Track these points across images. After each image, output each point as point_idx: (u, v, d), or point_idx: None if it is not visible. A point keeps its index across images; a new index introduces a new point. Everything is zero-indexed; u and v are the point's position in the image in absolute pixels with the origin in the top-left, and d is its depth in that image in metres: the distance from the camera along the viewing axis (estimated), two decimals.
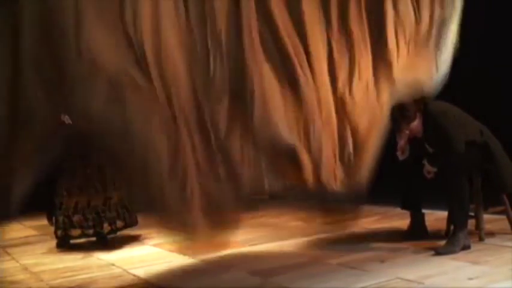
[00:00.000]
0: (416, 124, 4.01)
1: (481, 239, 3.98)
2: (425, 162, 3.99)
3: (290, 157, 3.65)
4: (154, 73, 3.23)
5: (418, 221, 4.27)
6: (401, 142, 4.10)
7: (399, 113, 3.96)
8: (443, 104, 4.48)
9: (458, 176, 3.82)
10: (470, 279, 3.07)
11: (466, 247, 3.75)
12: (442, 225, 4.23)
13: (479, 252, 3.70)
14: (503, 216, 4.25)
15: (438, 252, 3.70)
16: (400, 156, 4.16)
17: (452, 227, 3.91)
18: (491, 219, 4.56)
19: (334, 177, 3.76)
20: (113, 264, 4.21)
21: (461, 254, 3.65)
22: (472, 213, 4.04)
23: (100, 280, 3.80)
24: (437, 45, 3.98)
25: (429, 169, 3.99)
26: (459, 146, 3.83)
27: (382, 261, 3.67)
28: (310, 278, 3.42)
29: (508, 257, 3.51)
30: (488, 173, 4.00)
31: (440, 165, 3.94)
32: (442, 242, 3.87)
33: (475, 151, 3.94)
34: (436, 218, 4.82)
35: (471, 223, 4.01)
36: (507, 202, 4.14)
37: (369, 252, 3.96)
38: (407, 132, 4.01)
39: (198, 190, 3.34)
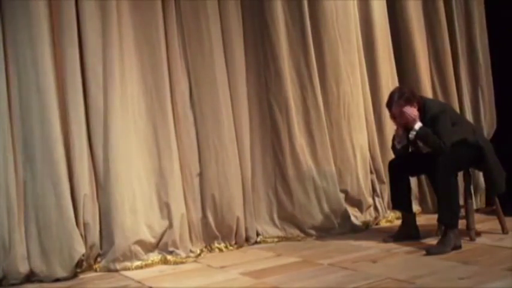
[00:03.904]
0: (414, 111, 4.02)
1: (471, 239, 4.00)
2: (417, 126, 3.97)
3: None
4: None
5: (409, 221, 4.28)
6: (399, 130, 4.14)
7: (398, 92, 4.10)
8: (441, 103, 4.56)
9: (448, 175, 3.83)
10: (461, 279, 3.08)
11: (457, 247, 3.76)
12: (434, 225, 4.24)
13: (470, 252, 3.71)
14: (494, 217, 4.28)
15: (429, 252, 3.72)
16: (398, 145, 4.20)
17: (443, 227, 3.93)
18: (482, 219, 4.60)
19: None
20: None
21: (452, 254, 3.67)
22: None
23: None
24: None
25: (410, 135, 4.02)
26: (446, 146, 3.85)
27: (374, 261, 3.68)
28: (302, 278, 3.42)
29: (499, 256, 3.53)
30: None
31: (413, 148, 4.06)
32: (434, 242, 3.89)
33: (467, 150, 3.97)
34: (427, 218, 4.85)
35: (462, 223, 4.03)
36: (498, 202, 4.17)
37: (360, 253, 3.97)
38: (403, 110, 4.02)
39: None
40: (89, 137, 4.14)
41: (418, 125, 3.97)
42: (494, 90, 5.48)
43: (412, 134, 4.00)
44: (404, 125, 4.08)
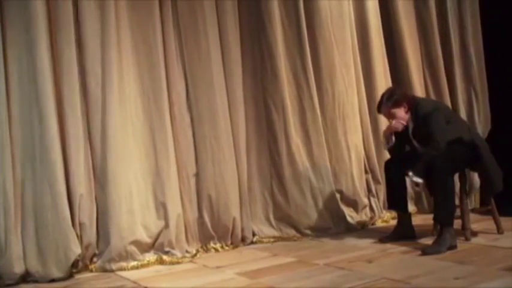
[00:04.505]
0: (402, 114, 4.06)
1: (467, 239, 4.01)
2: (410, 173, 3.93)
3: None
4: None
5: (405, 221, 4.29)
6: (386, 130, 4.18)
7: (388, 93, 4.15)
8: (434, 101, 4.56)
9: (445, 175, 3.84)
10: (457, 278, 3.09)
11: (452, 247, 3.77)
12: (429, 225, 4.25)
13: (465, 252, 3.72)
14: (489, 217, 4.29)
15: (425, 252, 3.72)
16: (385, 146, 4.22)
17: (438, 227, 3.94)
18: (477, 219, 4.61)
19: None
20: None
21: (448, 254, 3.68)
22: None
23: None
24: None
25: (415, 180, 3.93)
26: (440, 145, 3.86)
27: (369, 261, 3.68)
28: (298, 278, 3.42)
29: (494, 256, 3.54)
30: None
31: (426, 174, 3.92)
32: (429, 242, 3.90)
33: (463, 149, 3.97)
34: (423, 218, 4.86)
35: (457, 223, 4.03)
36: (493, 202, 4.18)
37: (356, 253, 3.97)
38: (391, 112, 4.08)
39: None
40: (86, 137, 4.14)
41: (409, 173, 3.93)
42: (489, 90, 5.48)
43: (416, 181, 3.93)
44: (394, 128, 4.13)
